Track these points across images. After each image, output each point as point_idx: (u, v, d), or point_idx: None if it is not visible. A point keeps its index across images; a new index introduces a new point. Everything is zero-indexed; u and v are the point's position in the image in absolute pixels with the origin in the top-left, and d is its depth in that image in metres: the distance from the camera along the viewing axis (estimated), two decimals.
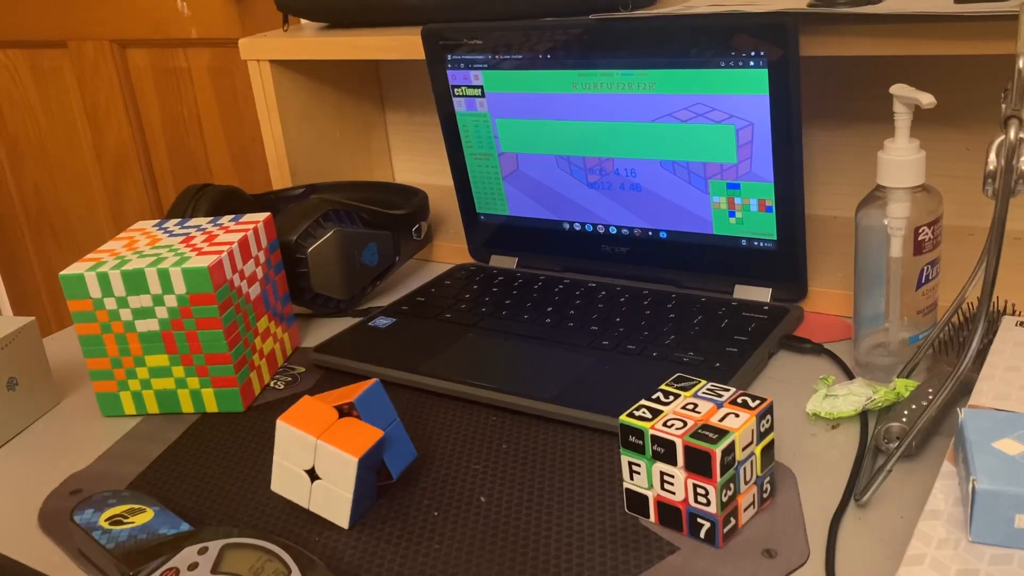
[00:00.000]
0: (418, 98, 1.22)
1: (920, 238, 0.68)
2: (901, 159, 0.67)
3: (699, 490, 0.55)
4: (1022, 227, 0.89)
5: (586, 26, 0.83)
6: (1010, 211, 0.57)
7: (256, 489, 0.66)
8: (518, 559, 0.57)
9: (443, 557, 0.57)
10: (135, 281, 0.73)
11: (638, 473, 0.58)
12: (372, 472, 0.62)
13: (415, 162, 1.27)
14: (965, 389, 0.62)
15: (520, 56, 0.87)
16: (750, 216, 0.83)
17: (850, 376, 0.73)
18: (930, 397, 0.64)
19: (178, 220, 0.84)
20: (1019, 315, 0.72)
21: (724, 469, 0.54)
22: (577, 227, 0.93)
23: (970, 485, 0.48)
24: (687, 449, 0.55)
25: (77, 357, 0.87)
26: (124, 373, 0.76)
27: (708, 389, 0.60)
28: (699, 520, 0.56)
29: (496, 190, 0.96)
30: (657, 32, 0.80)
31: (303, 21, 1.16)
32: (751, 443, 0.56)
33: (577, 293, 0.88)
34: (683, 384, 0.61)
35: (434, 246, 1.05)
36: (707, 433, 0.55)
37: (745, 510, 0.58)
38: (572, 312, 0.85)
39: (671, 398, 0.59)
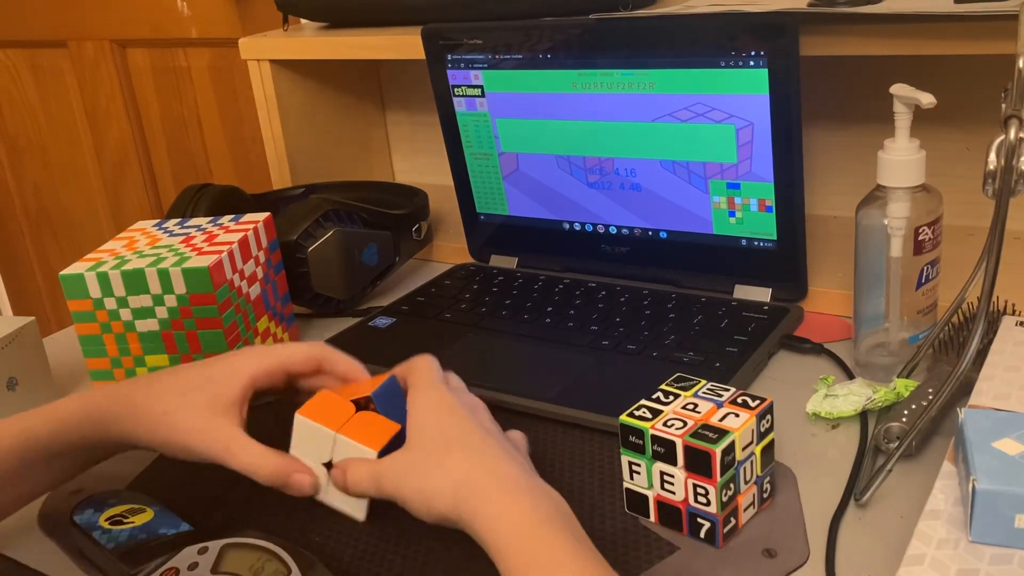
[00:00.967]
0: (418, 98, 1.22)
1: (920, 238, 0.68)
2: (901, 159, 0.67)
3: (699, 490, 0.55)
4: (1022, 227, 0.89)
5: (586, 26, 0.83)
6: (1010, 211, 0.56)
7: (256, 489, 0.66)
8: None
9: (443, 557, 0.57)
10: (135, 281, 0.73)
11: (638, 473, 0.58)
12: None
13: (415, 162, 1.27)
14: (965, 389, 0.61)
15: (520, 56, 0.87)
16: (750, 216, 0.83)
17: (850, 376, 0.73)
18: (930, 397, 0.64)
19: (178, 220, 0.84)
20: (1019, 315, 0.72)
21: (724, 469, 0.54)
22: (577, 227, 0.93)
23: (970, 485, 0.48)
24: (687, 449, 0.55)
25: (77, 357, 0.87)
26: (124, 373, 0.76)
27: (708, 389, 0.60)
28: (699, 520, 0.56)
29: (496, 190, 0.96)
30: (657, 32, 0.80)
31: (303, 21, 1.16)
32: (751, 443, 0.56)
33: (577, 293, 0.88)
34: (683, 384, 0.61)
35: (434, 246, 1.05)
36: (707, 433, 0.55)
37: (745, 510, 0.58)
38: (572, 312, 0.85)
39: (671, 398, 0.59)
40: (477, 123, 0.93)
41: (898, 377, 0.68)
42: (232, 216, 0.83)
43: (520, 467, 0.54)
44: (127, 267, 0.73)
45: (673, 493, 0.57)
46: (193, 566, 0.54)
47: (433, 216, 1.05)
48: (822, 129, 0.97)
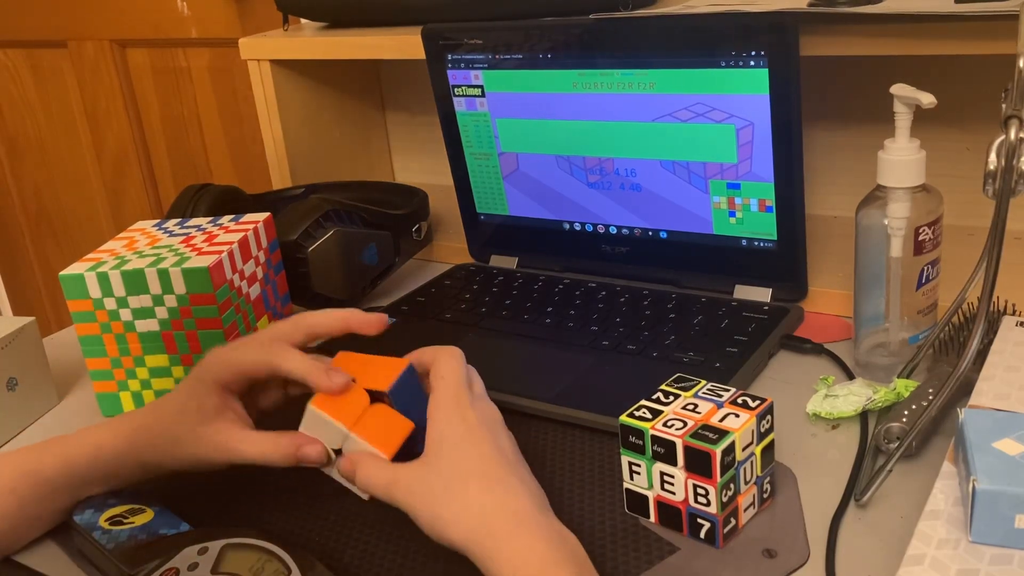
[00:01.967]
0: (418, 98, 1.22)
1: (920, 238, 0.68)
2: (901, 159, 0.67)
3: (699, 490, 0.55)
4: (1022, 227, 0.89)
5: (586, 26, 0.83)
6: (1010, 211, 0.56)
7: (256, 489, 0.66)
8: None
9: (443, 557, 0.57)
10: (135, 281, 0.73)
11: (638, 473, 0.58)
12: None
13: (415, 162, 1.27)
14: (965, 389, 0.61)
15: (520, 56, 0.87)
16: (750, 216, 0.83)
17: (850, 376, 0.73)
18: (930, 397, 0.64)
19: (178, 220, 0.84)
20: (1019, 315, 0.72)
21: (724, 469, 0.54)
22: (577, 227, 0.93)
23: (970, 485, 0.48)
24: (687, 449, 0.55)
25: (77, 357, 0.87)
26: (124, 373, 0.76)
27: (708, 389, 0.60)
28: (699, 520, 0.56)
29: (496, 190, 0.96)
30: (657, 32, 0.80)
31: (303, 21, 1.16)
32: (751, 443, 0.56)
33: (577, 293, 0.88)
34: (683, 384, 0.61)
35: (434, 246, 1.04)
36: (707, 433, 0.55)
37: (745, 510, 0.58)
38: (572, 312, 0.85)
39: (671, 398, 0.59)
40: (477, 123, 0.93)
41: (898, 377, 0.68)
42: (232, 216, 0.83)
43: (536, 503, 0.54)
44: (127, 267, 0.73)
45: (673, 493, 0.57)
46: (193, 566, 0.54)
47: (433, 216, 1.05)
48: (822, 129, 0.97)
